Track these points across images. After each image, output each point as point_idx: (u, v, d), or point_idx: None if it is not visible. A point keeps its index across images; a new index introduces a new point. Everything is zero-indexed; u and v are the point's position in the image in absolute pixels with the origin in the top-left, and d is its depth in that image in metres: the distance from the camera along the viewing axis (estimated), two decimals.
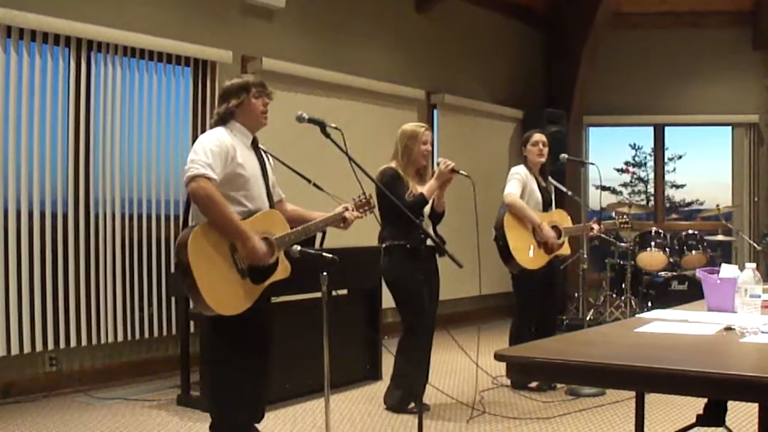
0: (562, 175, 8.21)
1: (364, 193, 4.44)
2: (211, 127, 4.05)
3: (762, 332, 2.67)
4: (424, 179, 5.18)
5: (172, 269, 5.98)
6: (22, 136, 5.35)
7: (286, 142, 5.87)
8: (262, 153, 4.16)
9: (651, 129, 10.92)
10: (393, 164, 5.13)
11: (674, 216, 11.61)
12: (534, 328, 5.81)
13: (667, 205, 11.45)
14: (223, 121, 4.01)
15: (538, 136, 5.93)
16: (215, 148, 3.84)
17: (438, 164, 5.09)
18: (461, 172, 5.04)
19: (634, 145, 12.05)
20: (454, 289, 8.73)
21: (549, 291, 5.98)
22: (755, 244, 9.38)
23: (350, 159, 4.01)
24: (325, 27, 7.63)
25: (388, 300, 5.47)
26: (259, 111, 4.05)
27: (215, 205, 3.76)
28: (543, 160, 5.93)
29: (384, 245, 5.11)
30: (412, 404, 5.10)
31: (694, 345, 2.61)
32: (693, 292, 7.51)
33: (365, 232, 5.30)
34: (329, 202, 4.37)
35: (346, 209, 4.31)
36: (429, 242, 4.90)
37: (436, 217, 5.21)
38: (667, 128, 10.89)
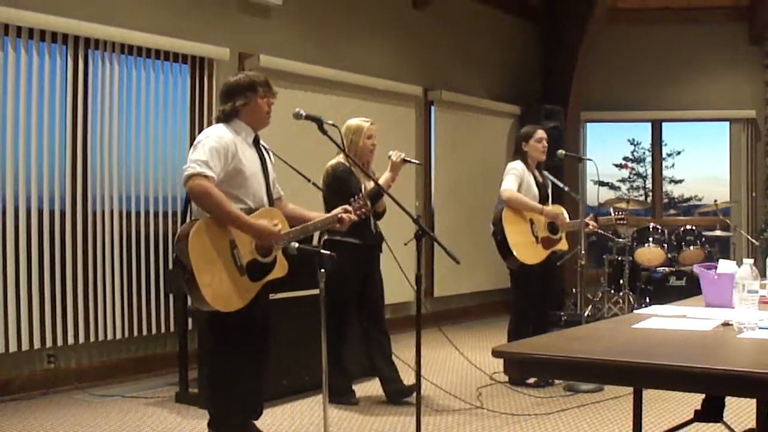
0: (560, 171, 8.21)
1: (361, 195, 4.45)
2: (213, 124, 4.07)
3: (759, 328, 2.67)
4: (368, 174, 5.25)
5: (170, 266, 5.98)
6: (19, 133, 5.34)
7: (284, 139, 5.87)
8: (263, 150, 4.17)
9: (649, 125, 10.92)
10: (341, 158, 5.17)
11: (672, 212, 11.61)
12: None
13: (665, 200, 11.46)
14: (226, 119, 4.02)
15: (542, 133, 5.94)
16: (215, 145, 3.85)
17: (390, 157, 5.21)
18: (412, 160, 5.27)
19: (633, 140, 12.05)
20: (452, 285, 8.77)
21: (547, 287, 5.98)
22: (753, 240, 9.39)
23: (347, 156, 4.02)
24: (323, 24, 7.62)
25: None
26: (265, 111, 4.07)
27: (212, 200, 3.77)
28: (545, 156, 5.94)
29: (327, 238, 5.16)
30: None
31: (692, 341, 2.61)
32: (691, 288, 7.52)
33: None
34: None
35: (345, 210, 4.31)
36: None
37: (377, 216, 5.28)
38: (664, 124, 10.89)
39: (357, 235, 5.09)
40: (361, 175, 5.18)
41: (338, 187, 4.90)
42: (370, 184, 5.15)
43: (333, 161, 5.17)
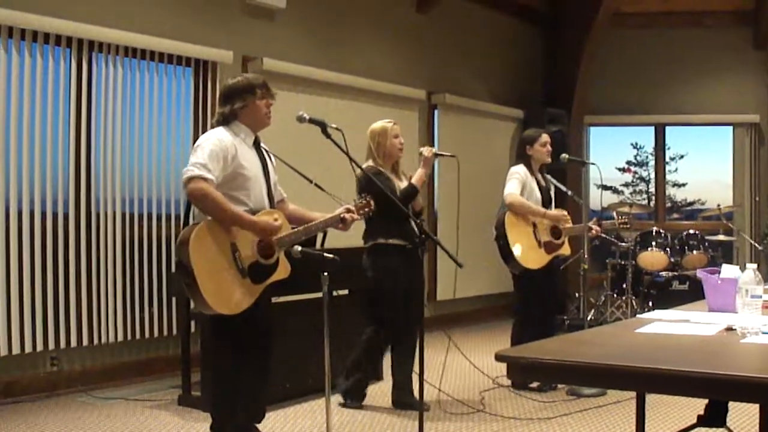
0: (563, 175, 8.21)
1: (364, 195, 4.44)
2: (213, 127, 4.06)
3: (763, 333, 2.67)
4: (399, 174, 5.23)
5: (173, 269, 5.98)
6: (23, 136, 5.35)
7: (287, 143, 5.87)
8: (264, 152, 4.16)
9: (652, 129, 10.92)
10: (371, 162, 5.18)
11: (675, 216, 11.61)
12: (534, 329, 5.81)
13: (669, 204, 11.45)
14: (225, 121, 4.02)
15: (546, 137, 5.94)
16: (214, 148, 3.85)
17: (421, 153, 5.20)
18: (444, 153, 5.25)
19: (636, 144, 12.05)
20: (452, 289, 8.76)
21: (549, 291, 5.97)
22: (756, 244, 9.38)
23: (351, 159, 4.02)
24: (326, 27, 7.63)
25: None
26: (264, 112, 4.07)
27: (211, 201, 3.77)
28: (549, 160, 5.94)
29: (371, 243, 5.13)
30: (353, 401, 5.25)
31: (695, 345, 2.61)
32: (694, 293, 7.50)
33: None
34: (330, 203, 4.37)
35: (347, 210, 4.31)
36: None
37: (416, 215, 5.25)
38: (668, 128, 10.88)
39: (401, 237, 5.04)
40: (392, 174, 5.17)
41: (371, 189, 4.86)
42: (403, 184, 5.14)
43: (363, 165, 5.15)
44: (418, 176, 5.15)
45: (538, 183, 5.89)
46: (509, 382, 5.76)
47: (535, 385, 5.67)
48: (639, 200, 11.95)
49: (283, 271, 4.06)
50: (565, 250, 5.97)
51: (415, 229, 5.01)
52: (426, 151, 5.19)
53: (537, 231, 5.79)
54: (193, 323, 5.54)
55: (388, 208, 4.60)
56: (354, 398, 5.29)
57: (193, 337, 5.45)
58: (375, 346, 5.28)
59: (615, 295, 8.61)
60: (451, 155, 5.15)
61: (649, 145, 11.37)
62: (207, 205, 3.80)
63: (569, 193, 6.17)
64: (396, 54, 8.44)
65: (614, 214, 8.05)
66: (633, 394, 4.03)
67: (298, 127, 4.20)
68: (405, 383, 5.29)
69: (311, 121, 4.08)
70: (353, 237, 5.14)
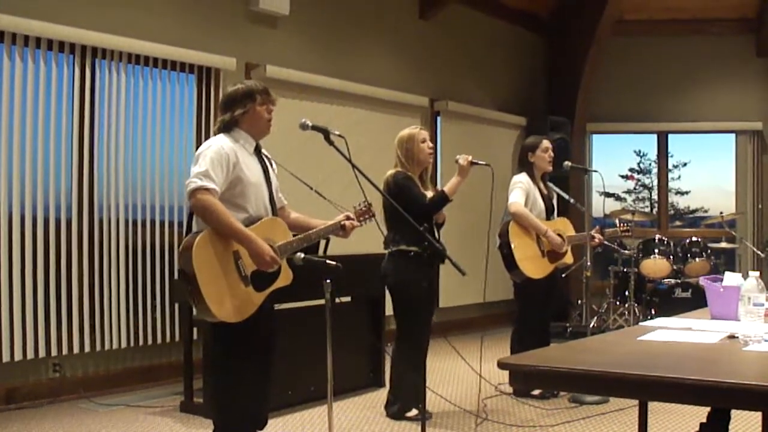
0: (566, 183, 8.21)
1: (365, 201, 4.43)
2: (214, 134, 4.07)
3: (765, 341, 2.67)
4: (425, 182, 5.21)
5: (176, 275, 5.98)
6: (26, 142, 5.36)
7: (290, 149, 5.88)
8: (265, 159, 4.16)
9: (654, 136, 10.92)
10: (399, 167, 5.13)
11: (678, 223, 11.62)
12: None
13: (671, 212, 11.45)
14: (226, 128, 4.02)
15: (547, 143, 5.93)
16: (215, 156, 3.84)
17: (457, 161, 5.16)
18: (479, 162, 5.16)
19: (639, 151, 12.06)
20: (458, 295, 8.76)
21: (550, 300, 5.97)
22: (759, 252, 9.37)
23: (354, 166, 4.01)
24: (329, 34, 7.65)
25: (391, 307, 5.46)
26: (265, 119, 4.06)
27: (213, 214, 3.76)
28: (551, 167, 5.93)
29: (391, 250, 5.10)
30: (415, 411, 5.09)
31: (697, 353, 2.61)
32: (696, 300, 7.50)
33: (369, 240, 5.30)
34: (331, 209, 4.38)
35: (347, 218, 4.30)
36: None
37: (437, 227, 5.23)
38: (670, 135, 10.89)
39: (418, 245, 4.97)
40: (419, 181, 5.14)
41: (399, 194, 4.85)
42: (429, 194, 5.12)
43: (392, 171, 5.11)
44: (452, 185, 5.09)
45: (541, 192, 5.88)
46: (511, 390, 5.75)
47: (537, 392, 5.66)
48: (642, 208, 11.97)
49: (285, 278, 4.05)
50: (568, 258, 5.97)
51: (437, 240, 4.98)
52: (462, 159, 5.12)
53: (540, 240, 5.78)
54: (195, 330, 5.54)
55: (412, 216, 4.54)
56: (413, 407, 5.12)
57: (195, 344, 5.45)
58: (402, 357, 5.13)
59: (617, 303, 8.61)
60: (485, 164, 5.12)
61: (652, 152, 11.40)
62: (210, 218, 3.79)
63: (571, 201, 6.17)
64: (399, 61, 8.45)
65: (616, 221, 8.06)
66: (635, 401, 4.03)
67: (301, 134, 4.20)
68: (397, 397, 5.17)
69: (314, 128, 4.08)
70: (356, 244, 5.14)
